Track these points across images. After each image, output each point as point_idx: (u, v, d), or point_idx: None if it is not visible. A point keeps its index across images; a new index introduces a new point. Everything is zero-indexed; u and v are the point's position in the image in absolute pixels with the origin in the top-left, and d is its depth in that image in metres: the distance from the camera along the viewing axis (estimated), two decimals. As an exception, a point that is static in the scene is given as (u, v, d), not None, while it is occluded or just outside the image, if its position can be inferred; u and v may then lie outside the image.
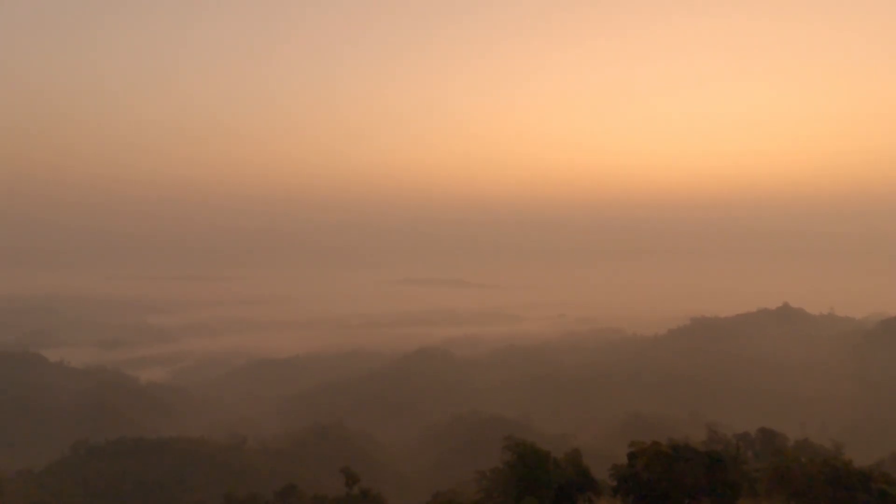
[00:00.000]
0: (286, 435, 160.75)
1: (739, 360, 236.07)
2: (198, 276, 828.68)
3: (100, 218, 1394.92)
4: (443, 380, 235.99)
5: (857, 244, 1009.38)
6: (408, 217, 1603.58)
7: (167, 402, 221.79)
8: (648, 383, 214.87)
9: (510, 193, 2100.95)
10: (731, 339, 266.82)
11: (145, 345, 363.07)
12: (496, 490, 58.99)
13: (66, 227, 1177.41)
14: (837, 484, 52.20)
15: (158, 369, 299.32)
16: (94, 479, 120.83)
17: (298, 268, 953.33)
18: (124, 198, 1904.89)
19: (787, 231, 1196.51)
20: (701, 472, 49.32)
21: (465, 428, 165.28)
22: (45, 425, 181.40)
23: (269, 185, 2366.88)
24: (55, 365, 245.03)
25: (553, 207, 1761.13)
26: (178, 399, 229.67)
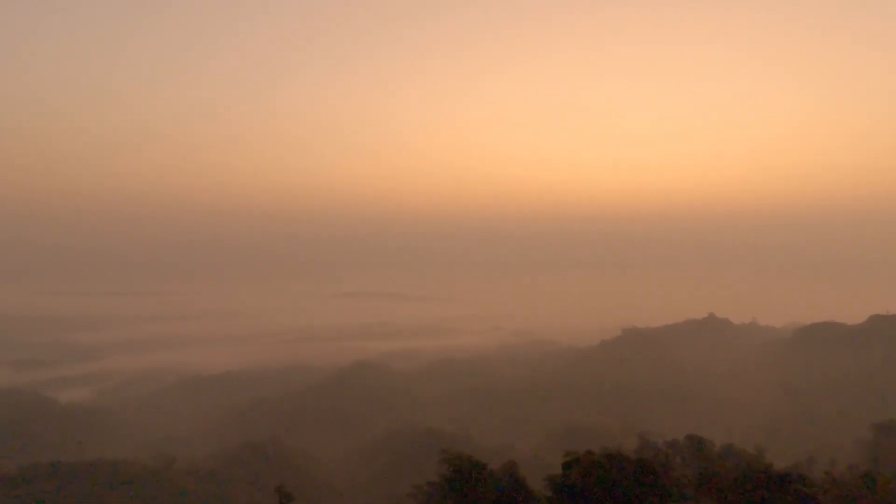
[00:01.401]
0: (218, 454, 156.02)
1: (669, 368, 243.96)
2: (128, 291, 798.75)
3: (26, 230, 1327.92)
4: (380, 394, 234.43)
5: (778, 256, 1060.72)
6: (346, 230, 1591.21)
7: (90, 423, 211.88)
8: (583, 394, 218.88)
9: (448, 207, 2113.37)
10: (660, 349, 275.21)
11: (68, 364, 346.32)
12: (433, 503, 59.08)
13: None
14: (759, 486, 54.60)
15: (81, 389, 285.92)
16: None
17: (234, 281, 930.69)
18: (53, 209, 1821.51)
19: (712, 243, 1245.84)
20: (632, 480, 50.78)
21: (403, 442, 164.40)
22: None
23: (203, 197, 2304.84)
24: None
25: (489, 221, 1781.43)
26: (102, 420, 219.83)
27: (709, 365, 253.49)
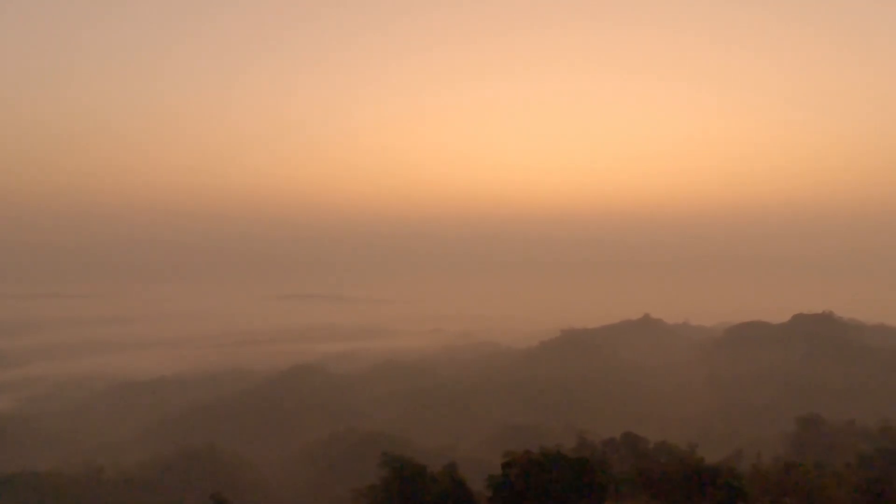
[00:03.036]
0: (150, 462, 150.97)
1: (606, 368, 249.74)
2: (52, 293, 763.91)
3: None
4: (319, 397, 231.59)
5: (709, 257, 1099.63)
6: (284, 231, 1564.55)
7: (11, 434, 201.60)
8: (523, 394, 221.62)
9: (387, 208, 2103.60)
10: (598, 349, 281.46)
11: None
12: (374, 507, 58.75)
13: None
14: (691, 481, 56.44)
15: (2, 398, 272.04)
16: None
17: (167, 283, 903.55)
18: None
19: (646, 245, 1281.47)
20: (570, 478, 51.69)
21: (343, 445, 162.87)
22: None
23: (136, 195, 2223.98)
24: None
25: (428, 221, 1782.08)
26: (26, 430, 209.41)
27: (644, 364, 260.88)
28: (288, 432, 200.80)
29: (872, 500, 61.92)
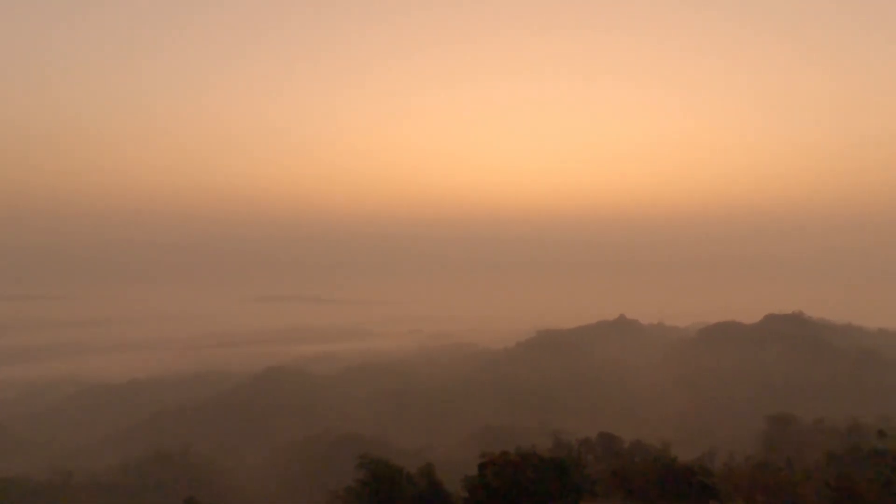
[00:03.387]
0: (122, 466, 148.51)
1: (582, 369, 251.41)
2: (22, 295, 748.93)
3: None
4: (296, 399, 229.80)
5: (682, 258, 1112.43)
6: (262, 232, 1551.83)
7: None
8: (499, 394, 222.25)
9: (365, 210, 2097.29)
10: (574, 350, 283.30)
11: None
12: (350, 509, 58.55)
13: None
14: (666, 479, 57.07)
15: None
16: None
17: (141, 285, 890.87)
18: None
19: (621, 246, 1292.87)
20: (547, 478, 51.97)
21: (320, 447, 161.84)
22: None
23: (109, 196, 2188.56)
24: None
25: (406, 223, 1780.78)
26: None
27: (620, 364, 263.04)
28: (264, 434, 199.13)
29: (841, 497, 63.07)
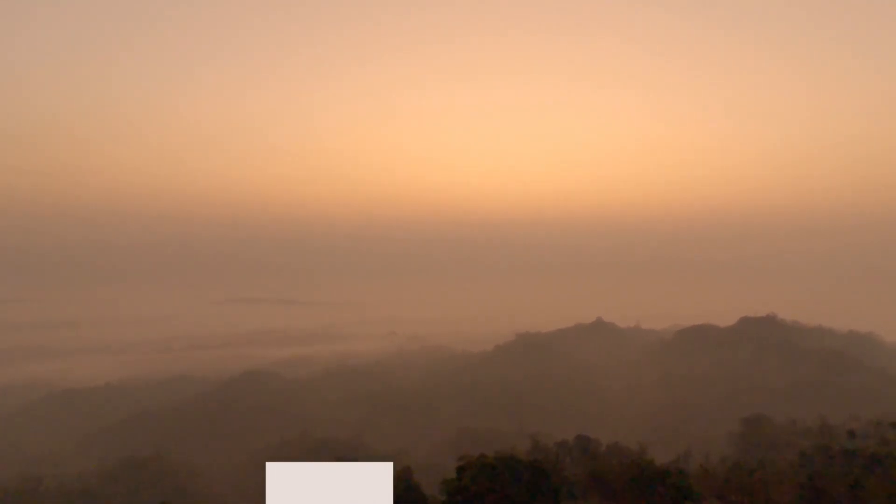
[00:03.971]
0: (93, 472, 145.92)
1: (559, 371, 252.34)
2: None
3: None
4: (271, 402, 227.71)
5: (659, 262, 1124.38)
6: (234, 233, 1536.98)
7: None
8: (477, 398, 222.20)
9: (339, 211, 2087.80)
10: (551, 352, 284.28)
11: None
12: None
13: None
14: (642, 481, 57.27)
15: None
16: None
17: (114, 287, 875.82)
18: None
19: (599, 250, 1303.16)
20: (525, 481, 51.88)
21: (296, 451, 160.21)
22: None
23: (81, 196, 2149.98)
24: None
25: (382, 225, 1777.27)
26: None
27: (597, 367, 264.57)
28: (239, 438, 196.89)
29: (813, 495, 63.92)
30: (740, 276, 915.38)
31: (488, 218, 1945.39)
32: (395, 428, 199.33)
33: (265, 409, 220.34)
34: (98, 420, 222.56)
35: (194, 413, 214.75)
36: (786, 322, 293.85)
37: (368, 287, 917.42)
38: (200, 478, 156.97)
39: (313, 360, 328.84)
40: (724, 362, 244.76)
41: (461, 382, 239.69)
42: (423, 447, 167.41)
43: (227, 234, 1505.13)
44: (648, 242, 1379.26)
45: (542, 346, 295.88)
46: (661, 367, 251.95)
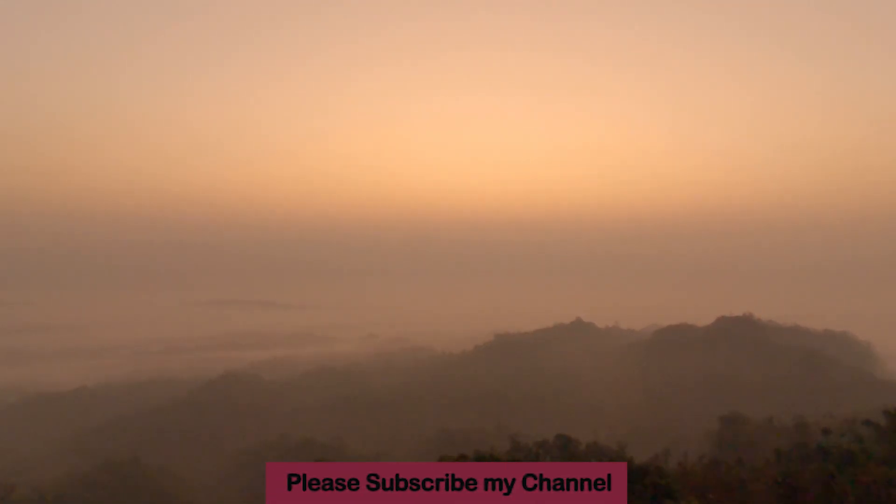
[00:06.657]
0: (69, 478, 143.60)
1: (539, 372, 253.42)
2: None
3: None
4: (250, 405, 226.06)
5: (637, 262, 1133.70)
6: (213, 235, 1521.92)
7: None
8: (457, 399, 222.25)
9: (318, 212, 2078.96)
10: (531, 353, 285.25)
11: None
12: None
13: None
14: (621, 481, 57.48)
15: None
16: None
17: (87, 289, 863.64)
18: None
19: (576, 249, 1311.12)
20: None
21: (275, 454, 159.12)
22: None
23: (53, 195, 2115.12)
24: None
25: (361, 226, 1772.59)
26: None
27: (576, 367, 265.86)
28: (217, 442, 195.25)
29: (788, 492, 64.73)
30: (718, 276, 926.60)
31: (467, 219, 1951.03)
32: (376, 429, 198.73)
33: (244, 412, 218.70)
34: (73, 425, 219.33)
35: (172, 416, 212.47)
36: (762, 321, 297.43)
37: (347, 289, 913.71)
38: (178, 482, 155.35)
39: (293, 362, 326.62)
40: (702, 361, 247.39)
41: (441, 383, 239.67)
42: (404, 448, 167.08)
43: (202, 236, 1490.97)
44: (627, 243, 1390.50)
45: (522, 346, 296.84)
46: (639, 367, 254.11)
